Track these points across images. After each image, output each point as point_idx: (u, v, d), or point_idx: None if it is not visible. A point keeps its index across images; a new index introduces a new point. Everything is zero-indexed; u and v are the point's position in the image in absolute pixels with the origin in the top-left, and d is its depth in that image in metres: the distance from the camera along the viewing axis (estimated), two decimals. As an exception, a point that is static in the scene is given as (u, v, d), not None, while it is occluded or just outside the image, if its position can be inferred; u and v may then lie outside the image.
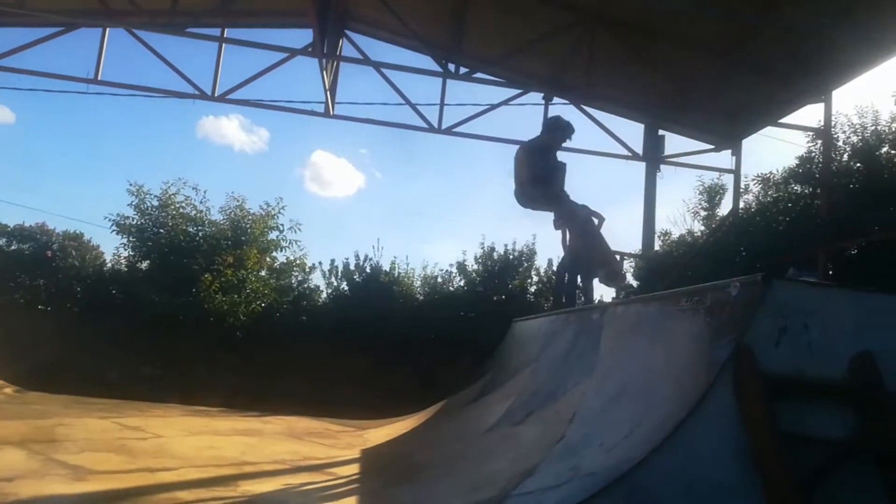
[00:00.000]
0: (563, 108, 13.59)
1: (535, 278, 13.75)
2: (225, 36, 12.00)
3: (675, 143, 14.05)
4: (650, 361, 4.64)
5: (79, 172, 38.30)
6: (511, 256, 13.64)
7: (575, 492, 3.66)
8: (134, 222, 12.84)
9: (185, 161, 35.47)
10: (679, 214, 16.29)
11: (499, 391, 7.55)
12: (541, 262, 13.82)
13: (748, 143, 13.36)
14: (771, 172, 12.87)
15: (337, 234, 36.35)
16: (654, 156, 13.77)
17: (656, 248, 13.45)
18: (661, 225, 13.72)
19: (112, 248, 13.58)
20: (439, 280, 13.86)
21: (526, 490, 4.11)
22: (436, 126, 12.90)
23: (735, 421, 3.63)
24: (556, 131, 8.16)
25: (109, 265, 13.32)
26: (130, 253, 13.10)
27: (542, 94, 13.37)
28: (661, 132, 13.96)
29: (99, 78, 11.26)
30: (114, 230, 12.72)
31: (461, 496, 4.52)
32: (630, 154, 13.70)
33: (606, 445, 4.09)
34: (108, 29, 11.34)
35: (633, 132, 14.12)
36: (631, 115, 13.97)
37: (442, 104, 12.98)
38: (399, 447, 7.18)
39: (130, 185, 12.83)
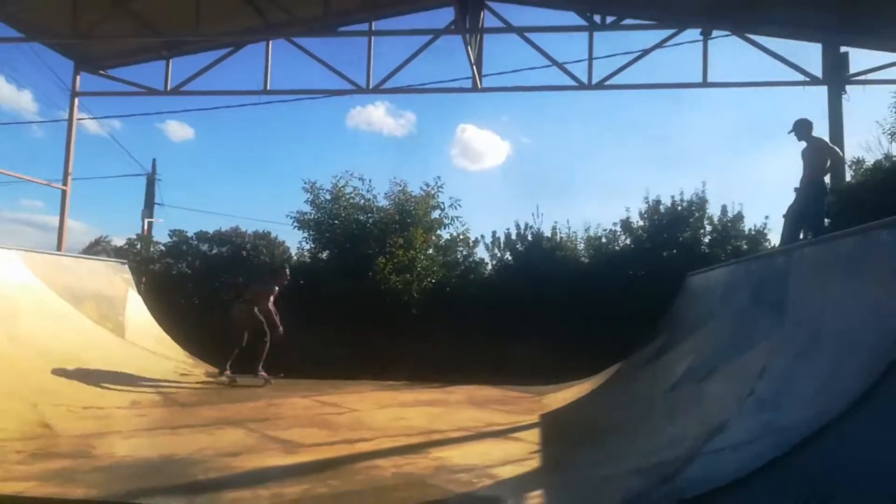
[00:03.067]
0: (724, 40, 12.49)
1: (709, 227, 12.91)
2: (373, 29, 12.46)
3: (861, 59, 12.36)
4: (847, 305, 4.20)
5: (261, 176, 42.19)
6: (679, 208, 12.88)
7: (770, 447, 3.44)
8: (311, 217, 13.91)
9: (341, 152, 37.63)
10: (873, 138, 14.33)
11: (678, 349, 7.25)
12: (714, 210, 12.95)
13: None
14: None
15: (493, 205, 36.77)
16: (837, 77, 12.22)
17: (847, 178, 11.98)
18: (850, 153, 12.14)
19: (296, 243, 14.83)
20: (604, 241, 13.47)
21: (717, 447, 3.94)
22: (585, 83, 12.47)
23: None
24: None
25: (295, 258, 14.57)
26: (312, 245, 14.23)
27: (699, 30, 12.36)
28: (843, 49, 12.34)
29: (268, 88, 12.22)
30: (295, 226, 13.93)
31: (649, 456, 4.43)
32: (808, 79, 12.28)
33: (801, 399, 3.79)
34: (270, 42, 12.21)
35: (809, 54, 12.62)
36: (805, 36, 12.41)
37: (590, 59, 12.48)
38: (578, 411, 7.18)
39: (305, 182, 13.91)
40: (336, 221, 13.76)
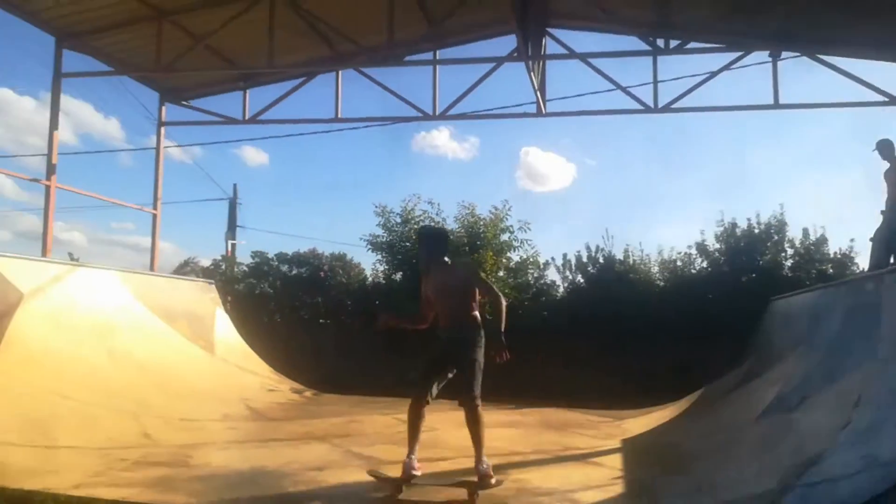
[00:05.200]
0: (794, 62, 12.15)
1: (790, 251, 12.52)
2: (437, 58, 12.77)
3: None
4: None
5: (334, 199, 43.37)
6: (757, 230, 12.56)
7: (873, 483, 3.35)
8: (384, 240, 14.22)
9: (408, 176, 38.28)
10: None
11: (764, 376, 7.06)
12: (795, 233, 12.55)
13: None
14: None
15: (561, 227, 36.36)
16: (918, 96, 11.67)
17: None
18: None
19: (370, 264, 15.21)
20: (679, 264, 13.24)
21: (812, 480, 3.85)
22: (651, 106, 12.36)
23: None
24: None
25: (370, 279, 14.94)
26: (385, 267, 14.53)
27: (767, 52, 12.08)
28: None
29: (339, 116, 12.67)
30: (369, 248, 14.28)
31: (739, 487, 4.35)
32: (887, 99, 11.76)
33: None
34: (340, 72, 12.69)
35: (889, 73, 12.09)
36: (881, 56, 11.93)
37: (655, 82, 12.32)
38: (662, 437, 7.04)
39: (376, 206, 14.27)
40: (407, 244, 14.02)
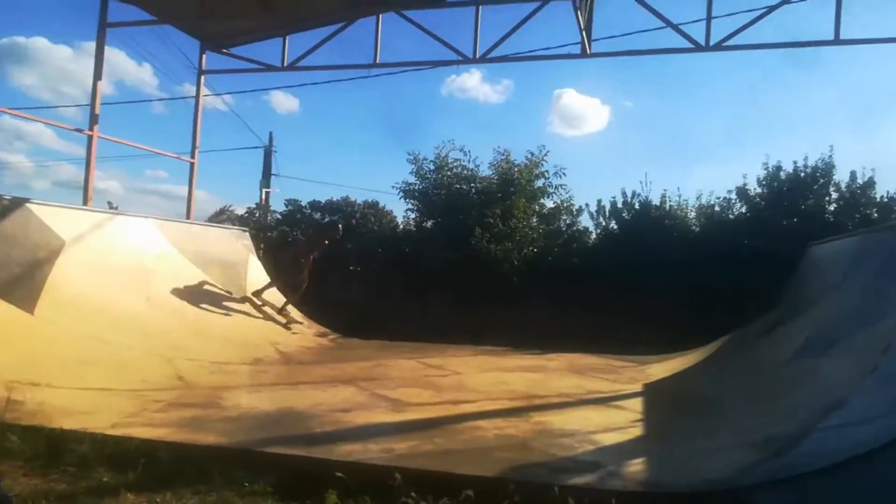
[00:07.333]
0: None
1: (835, 195, 12.04)
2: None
3: None
4: None
5: (366, 147, 43.22)
6: (802, 174, 12.09)
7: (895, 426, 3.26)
8: (416, 187, 14.21)
9: (438, 121, 37.55)
10: None
11: (795, 322, 6.90)
12: (841, 176, 12.04)
13: None
14: None
15: (595, 174, 35.47)
16: None
17: None
18: None
19: (401, 212, 15.27)
20: (717, 209, 12.91)
21: (832, 423, 3.78)
22: (703, 44, 11.76)
23: None
24: None
25: (401, 227, 15.03)
26: (416, 215, 14.59)
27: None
28: None
29: (377, 62, 12.44)
30: (401, 196, 14.30)
31: (757, 430, 4.30)
32: None
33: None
34: (380, 16, 12.37)
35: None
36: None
37: (709, 18, 11.69)
38: (684, 382, 7.02)
39: (409, 154, 14.22)
40: (443, 192, 13.96)
